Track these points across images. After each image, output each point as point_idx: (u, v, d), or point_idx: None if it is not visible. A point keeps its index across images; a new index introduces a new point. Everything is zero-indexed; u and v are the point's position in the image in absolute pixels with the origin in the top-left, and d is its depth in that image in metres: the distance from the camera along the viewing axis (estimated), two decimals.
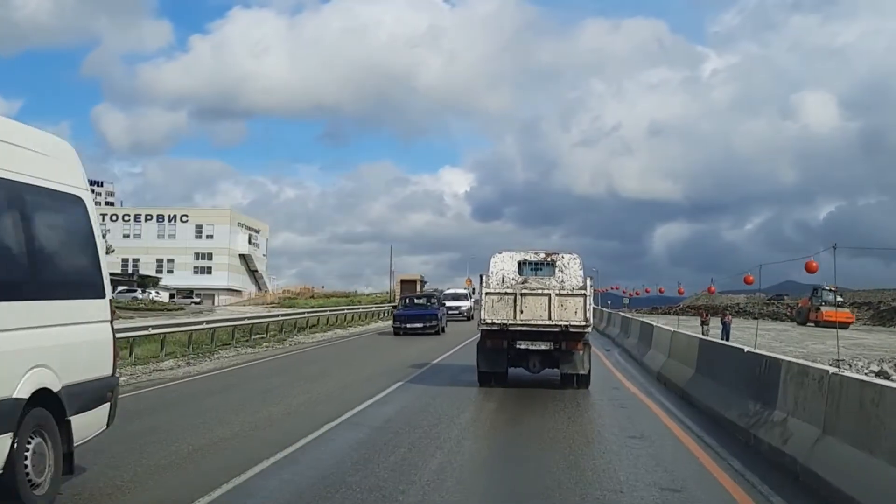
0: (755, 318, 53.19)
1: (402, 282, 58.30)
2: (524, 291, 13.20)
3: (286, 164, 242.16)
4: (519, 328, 13.16)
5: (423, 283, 60.63)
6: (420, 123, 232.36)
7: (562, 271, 13.58)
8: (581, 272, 13.63)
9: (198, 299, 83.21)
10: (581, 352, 13.19)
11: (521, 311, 13.12)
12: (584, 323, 13.03)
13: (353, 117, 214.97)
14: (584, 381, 13.41)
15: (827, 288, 46.80)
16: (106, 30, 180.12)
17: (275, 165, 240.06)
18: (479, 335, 14.01)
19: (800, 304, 52.45)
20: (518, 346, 13.34)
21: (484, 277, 13.44)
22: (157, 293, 75.64)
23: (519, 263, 13.80)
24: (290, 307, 54.73)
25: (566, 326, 13.00)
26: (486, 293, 13.24)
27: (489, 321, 13.17)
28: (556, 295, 13.11)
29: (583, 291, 13.19)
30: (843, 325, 41.06)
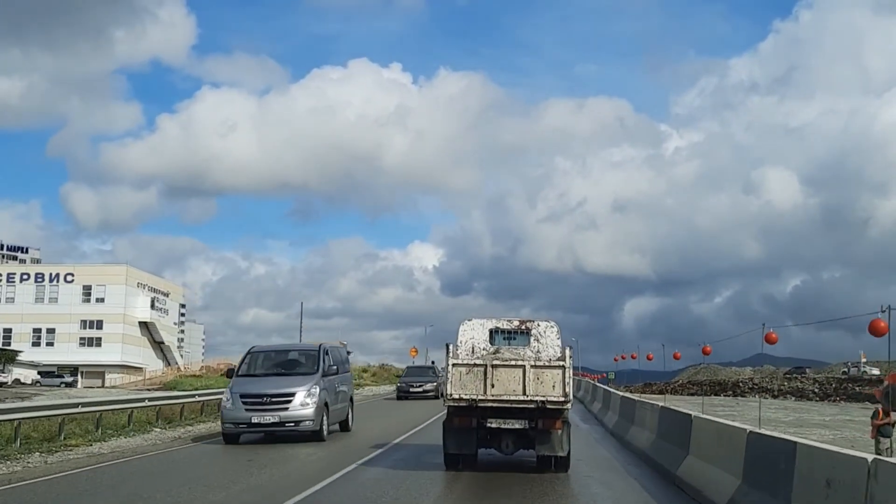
0: (775, 396, 55.89)
1: None
2: (496, 363, 14.56)
3: (256, 240, 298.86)
4: (490, 404, 14.47)
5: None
6: (388, 200, 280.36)
7: (538, 340, 15.21)
8: (559, 341, 15.27)
9: (69, 378, 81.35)
10: (560, 431, 14.69)
11: (493, 385, 14.48)
12: (563, 398, 14.48)
13: (322, 194, 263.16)
14: (563, 463, 14.96)
15: None
16: (76, 111, 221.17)
17: (245, 242, 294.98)
18: (444, 412, 15.47)
19: (888, 380, 47.83)
20: (489, 425, 14.74)
21: (451, 347, 14.87)
22: (7, 372, 73.95)
23: (490, 332, 15.38)
24: (172, 388, 55.12)
25: (543, 402, 14.35)
26: (454, 364, 14.58)
27: (456, 396, 14.54)
28: (532, 367, 14.45)
29: (561, 363, 14.64)
30: None
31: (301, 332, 68.36)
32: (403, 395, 44.78)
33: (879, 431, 18.81)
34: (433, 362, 59.02)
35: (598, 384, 39.31)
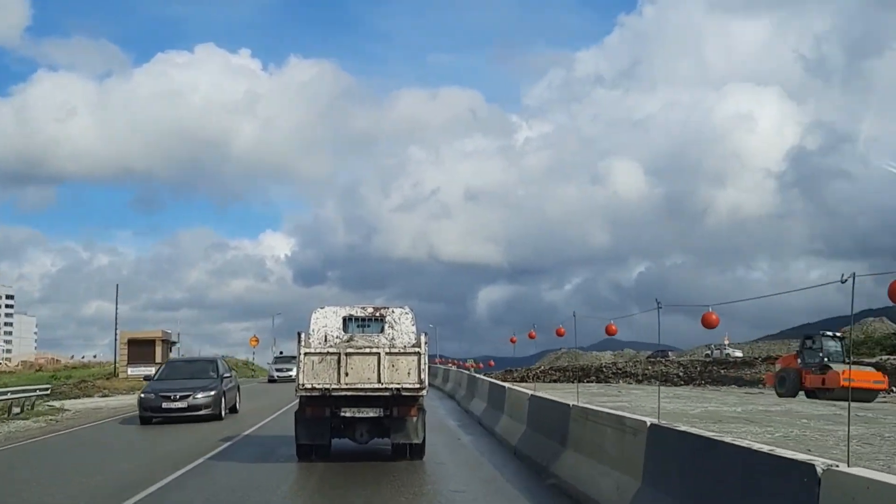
0: (639, 381, 58.54)
1: (132, 342, 54.46)
2: (350, 351, 15.15)
3: (99, 229, 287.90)
4: (343, 393, 15.08)
5: (169, 343, 58.67)
6: (237, 188, 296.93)
7: (392, 327, 15.84)
8: (414, 328, 15.94)
9: None
10: (415, 418, 15.42)
11: (346, 374, 15.08)
12: (418, 385, 15.21)
13: (168, 182, 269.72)
14: (418, 450, 15.70)
15: (830, 334, 42.93)
16: None
17: (86, 231, 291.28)
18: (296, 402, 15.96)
19: (779, 363, 46.48)
20: (343, 414, 15.34)
21: (303, 336, 15.36)
22: None
23: (344, 319, 15.91)
24: None
25: (398, 390, 15.08)
26: (305, 353, 15.08)
27: (308, 386, 15.07)
28: (387, 354, 15.13)
29: (416, 349, 15.35)
30: (870, 394, 37.61)
31: (117, 322, 64.73)
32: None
33: None
34: (281, 352, 63.32)
35: (473, 373, 40.06)
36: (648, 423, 9.48)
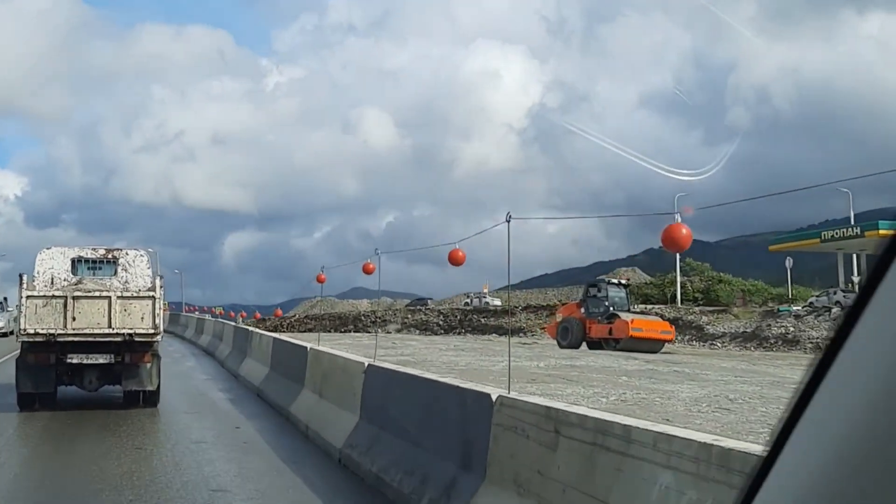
0: (399, 330, 59.94)
1: None
2: (78, 294, 14.85)
3: None
4: (71, 339, 14.78)
5: None
6: None
7: (126, 270, 15.58)
8: (150, 271, 15.74)
9: None
10: (149, 364, 15.29)
11: (74, 319, 14.76)
12: (152, 330, 15.11)
13: None
14: (152, 398, 15.59)
15: (615, 281, 42.26)
16: None
17: None
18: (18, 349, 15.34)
19: (560, 312, 44.07)
20: (70, 361, 14.99)
21: (25, 278, 14.78)
22: None
23: (73, 261, 15.48)
24: None
25: (130, 335, 14.95)
26: (28, 297, 14.60)
27: (31, 331, 14.61)
28: (119, 298, 14.96)
29: (151, 293, 15.23)
30: (657, 345, 37.34)
31: None
32: None
33: None
34: (5, 298, 57.59)
35: (243, 325, 38.87)
36: (366, 364, 11.16)
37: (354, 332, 59.18)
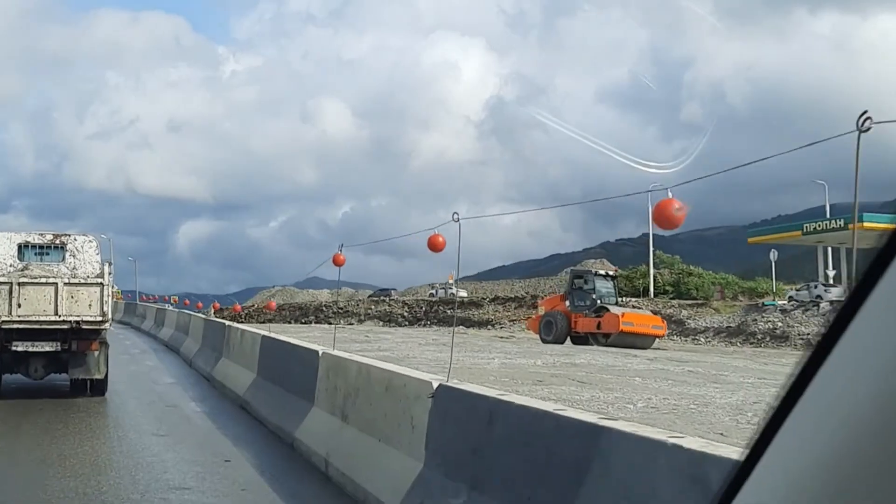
0: (361, 321, 59.70)
1: None
2: (23, 280, 14.66)
3: None
4: (16, 326, 14.60)
5: None
6: None
7: (74, 256, 15.40)
8: (98, 257, 15.57)
9: None
10: (97, 352, 15.13)
11: (20, 305, 14.58)
12: (100, 318, 14.95)
13: None
14: (100, 386, 15.43)
15: (603, 272, 40.67)
16: None
17: None
18: None
19: (542, 305, 42.36)
20: (15, 349, 14.79)
21: None
22: None
23: (19, 246, 15.28)
24: None
25: (77, 323, 14.79)
26: None
27: None
28: (66, 285, 14.80)
29: (100, 280, 15.06)
30: (648, 340, 35.83)
31: None
32: None
33: None
34: None
35: (212, 317, 37.54)
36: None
37: (316, 323, 58.85)
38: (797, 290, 53.44)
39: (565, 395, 14.46)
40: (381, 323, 60.25)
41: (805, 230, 57.42)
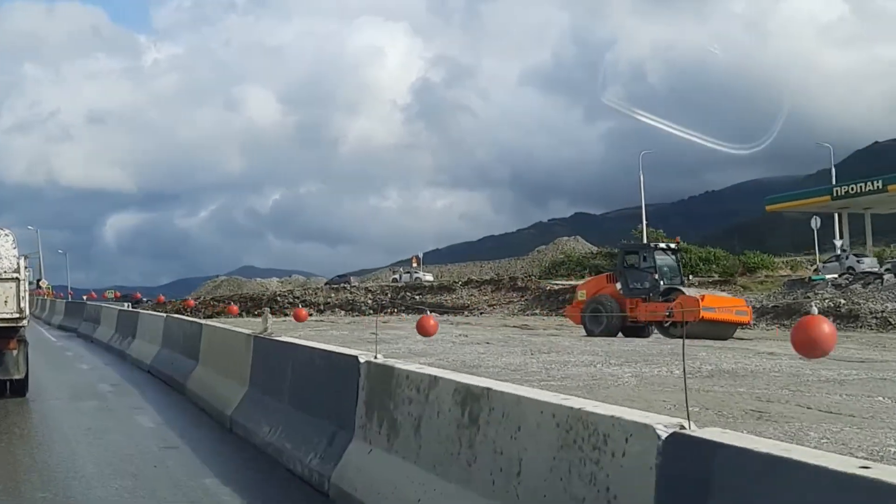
0: (321, 311, 58.83)
1: None
2: None
3: None
4: None
5: None
6: None
7: None
8: (15, 251, 15.02)
9: None
10: (15, 351, 14.65)
11: None
12: (17, 315, 14.46)
13: None
14: (20, 387, 14.94)
15: (663, 245, 33.56)
16: None
17: None
18: None
19: (582, 289, 35.51)
20: None
21: None
22: None
23: None
24: None
25: None
26: None
27: None
28: None
29: (16, 275, 14.54)
30: (729, 328, 29.56)
31: None
32: None
33: None
34: None
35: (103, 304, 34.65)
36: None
37: (271, 313, 56.56)
38: (824, 263, 50.89)
39: (848, 440, 9.81)
40: (344, 312, 59.14)
41: (835, 194, 54.05)
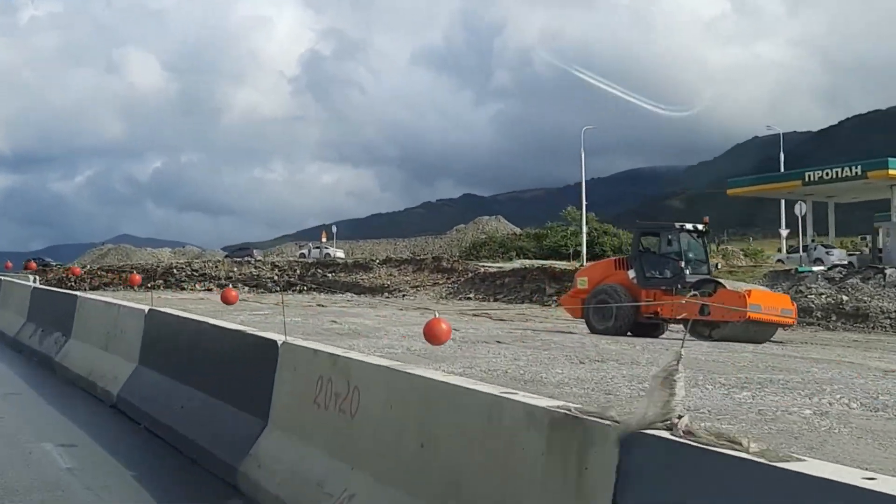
0: (221, 286, 52.13)
1: None
2: None
3: None
4: None
5: None
6: None
7: None
8: None
9: None
10: None
11: None
12: None
13: None
14: None
15: (690, 226, 26.33)
16: None
17: None
18: None
19: (583, 275, 28.66)
20: None
21: None
22: None
23: None
24: None
25: None
26: None
27: None
28: None
29: None
30: (769, 330, 24.07)
31: None
32: None
33: None
34: None
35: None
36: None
37: (165, 286, 50.56)
38: (788, 254, 47.86)
39: None
40: (248, 289, 52.75)
41: (807, 179, 49.48)
